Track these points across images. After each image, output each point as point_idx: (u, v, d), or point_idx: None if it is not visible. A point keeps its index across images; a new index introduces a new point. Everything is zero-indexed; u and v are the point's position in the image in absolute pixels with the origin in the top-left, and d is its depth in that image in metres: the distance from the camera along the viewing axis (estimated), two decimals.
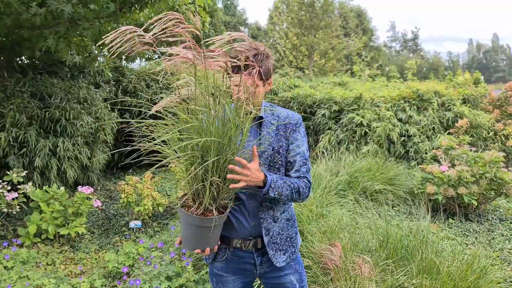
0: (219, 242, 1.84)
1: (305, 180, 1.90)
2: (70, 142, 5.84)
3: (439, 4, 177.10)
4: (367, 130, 7.25)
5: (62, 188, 4.82)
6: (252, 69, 1.72)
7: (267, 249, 1.91)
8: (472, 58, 79.67)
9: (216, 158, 1.62)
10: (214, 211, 1.69)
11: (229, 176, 1.65)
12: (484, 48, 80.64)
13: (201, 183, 1.67)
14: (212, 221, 1.66)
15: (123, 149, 1.98)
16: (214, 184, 1.67)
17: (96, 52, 6.21)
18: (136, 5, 4.79)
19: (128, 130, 7.55)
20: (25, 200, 4.72)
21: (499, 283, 3.29)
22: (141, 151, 1.73)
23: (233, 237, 1.93)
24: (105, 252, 4.52)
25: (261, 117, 1.90)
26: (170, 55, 1.55)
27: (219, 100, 1.65)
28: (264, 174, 1.76)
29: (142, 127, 1.70)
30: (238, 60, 1.72)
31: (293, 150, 1.91)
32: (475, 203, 5.01)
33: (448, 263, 3.21)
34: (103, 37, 1.48)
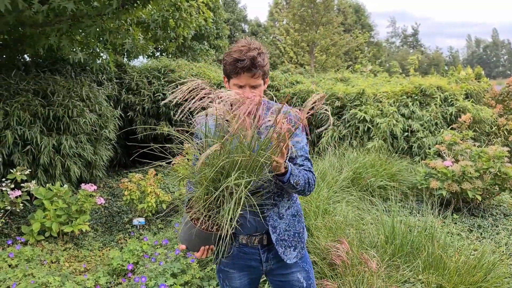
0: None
1: (311, 175, 1.85)
2: (73, 139, 5.83)
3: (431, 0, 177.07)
4: (370, 126, 7.23)
5: (66, 185, 4.81)
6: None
7: (276, 247, 1.89)
8: (472, 53, 79.56)
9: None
10: (226, 227, 1.64)
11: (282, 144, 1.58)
12: (483, 43, 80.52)
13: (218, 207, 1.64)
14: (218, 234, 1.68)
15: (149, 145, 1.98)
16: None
17: (98, 49, 6.19)
18: (138, 2, 4.77)
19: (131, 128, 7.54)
20: (28, 198, 4.71)
21: (506, 278, 3.28)
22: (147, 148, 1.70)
23: (238, 233, 1.91)
24: (109, 250, 4.52)
25: None
26: None
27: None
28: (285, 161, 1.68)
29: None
30: (242, 61, 1.73)
31: (293, 146, 1.79)
32: (480, 198, 5.00)
33: (455, 259, 3.20)
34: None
